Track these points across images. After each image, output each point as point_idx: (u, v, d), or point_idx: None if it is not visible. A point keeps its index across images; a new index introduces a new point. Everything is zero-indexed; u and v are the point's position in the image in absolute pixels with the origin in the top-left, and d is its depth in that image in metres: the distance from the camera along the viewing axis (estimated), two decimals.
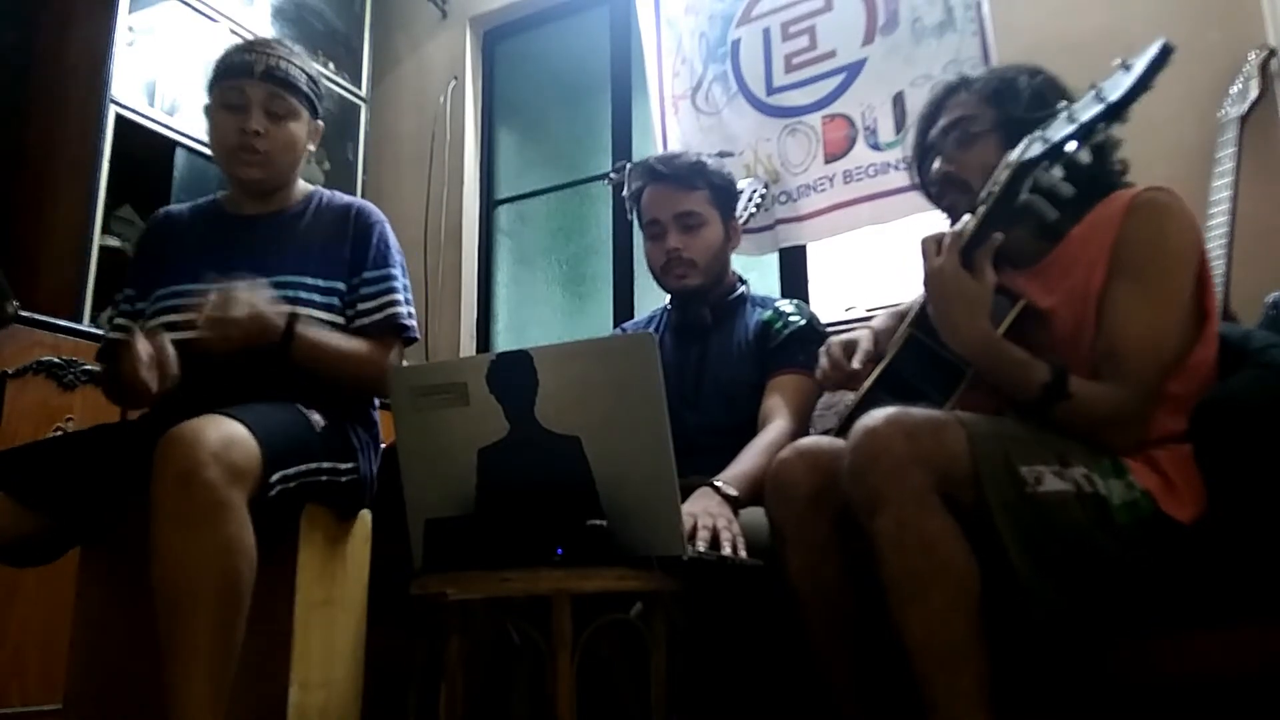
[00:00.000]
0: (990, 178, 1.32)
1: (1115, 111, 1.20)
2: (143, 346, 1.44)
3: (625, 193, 1.95)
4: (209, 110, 1.72)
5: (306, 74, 1.73)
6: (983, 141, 1.41)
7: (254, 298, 1.49)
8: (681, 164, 1.87)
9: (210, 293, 1.47)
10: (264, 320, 1.50)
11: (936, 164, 1.47)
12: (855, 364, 1.50)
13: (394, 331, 1.69)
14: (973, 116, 1.43)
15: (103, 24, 2.58)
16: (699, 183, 1.85)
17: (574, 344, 1.44)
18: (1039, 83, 1.41)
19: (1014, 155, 1.28)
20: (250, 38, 2.90)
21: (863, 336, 1.57)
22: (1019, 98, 1.39)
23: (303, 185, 1.80)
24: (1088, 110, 1.22)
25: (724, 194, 1.89)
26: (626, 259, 3.15)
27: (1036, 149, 1.25)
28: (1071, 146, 1.23)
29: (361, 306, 1.68)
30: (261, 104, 1.67)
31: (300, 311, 1.59)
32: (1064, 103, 1.27)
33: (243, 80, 1.66)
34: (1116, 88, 1.20)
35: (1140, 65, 1.19)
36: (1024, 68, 1.45)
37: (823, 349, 1.58)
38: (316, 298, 1.64)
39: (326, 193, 1.80)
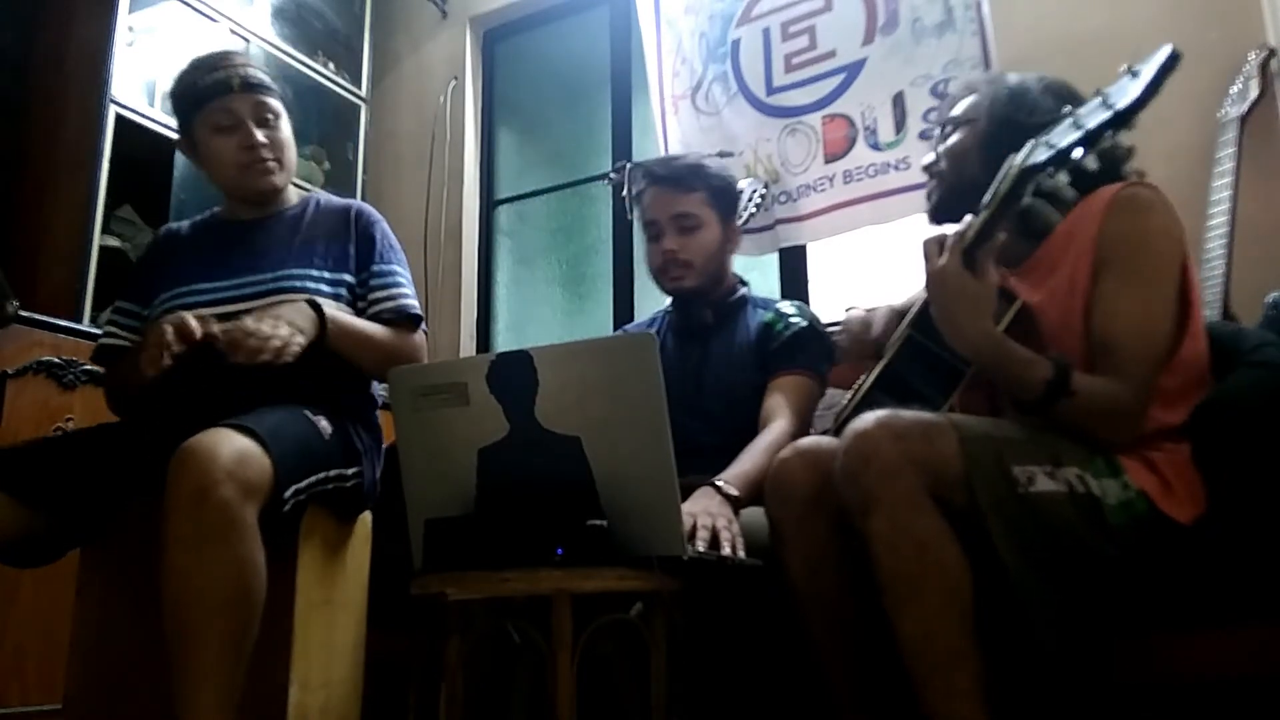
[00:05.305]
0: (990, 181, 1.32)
1: (1123, 119, 1.18)
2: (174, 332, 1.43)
3: (626, 194, 1.96)
4: (193, 143, 1.71)
5: (266, 70, 1.78)
6: (971, 152, 1.44)
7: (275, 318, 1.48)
8: (679, 166, 1.88)
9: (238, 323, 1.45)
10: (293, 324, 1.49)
11: (935, 150, 1.51)
12: (874, 332, 1.51)
13: (408, 320, 1.72)
14: (973, 121, 1.45)
15: (103, 24, 2.57)
16: (696, 184, 1.85)
17: (574, 344, 1.43)
18: (1046, 99, 1.39)
19: (1018, 159, 1.27)
20: (250, 37, 2.95)
21: (879, 311, 1.57)
22: (1022, 115, 1.39)
23: (295, 190, 1.83)
24: (1094, 117, 1.20)
25: (723, 196, 1.89)
26: (626, 259, 3.15)
27: (1041, 154, 1.24)
28: (1078, 154, 1.21)
29: (372, 298, 1.71)
30: (251, 115, 1.67)
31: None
32: (1068, 107, 1.25)
33: (226, 99, 1.66)
34: (1124, 95, 1.18)
35: (1148, 72, 1.17)
36: (1043, 80, 1.44)
37: (842, 323, 1.61)
38: (324, 289, 1.66)
39: (323, 195, 1.84)
